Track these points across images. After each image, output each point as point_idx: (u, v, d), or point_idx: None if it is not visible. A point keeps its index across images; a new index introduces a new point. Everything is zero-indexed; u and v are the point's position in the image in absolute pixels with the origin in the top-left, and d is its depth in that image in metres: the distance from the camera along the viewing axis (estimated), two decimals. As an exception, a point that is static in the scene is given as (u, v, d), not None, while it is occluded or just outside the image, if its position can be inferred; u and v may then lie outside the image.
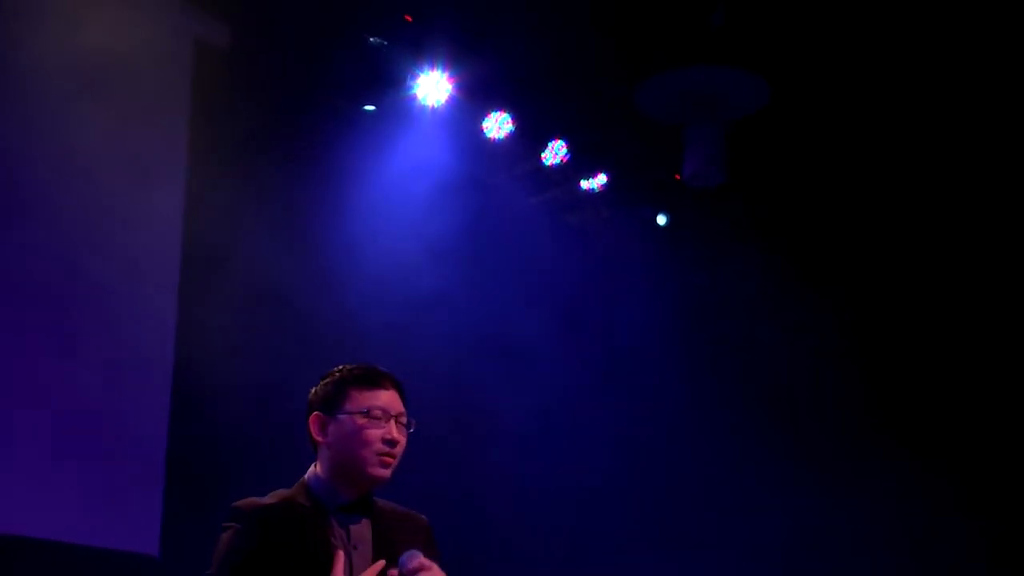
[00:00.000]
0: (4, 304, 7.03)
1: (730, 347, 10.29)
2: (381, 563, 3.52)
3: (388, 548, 3.64)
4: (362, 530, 3.69)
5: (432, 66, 8.39)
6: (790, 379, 10.03)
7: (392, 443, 3.65)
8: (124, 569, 7.29)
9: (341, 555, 3.55)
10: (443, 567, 3.65)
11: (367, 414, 3.66)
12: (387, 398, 3.72)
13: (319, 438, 3.71)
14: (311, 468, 3.76)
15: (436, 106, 8.52)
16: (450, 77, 8.44)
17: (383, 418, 3.68)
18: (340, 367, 3.81)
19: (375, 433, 3.65)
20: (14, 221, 7.11)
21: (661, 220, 10.09)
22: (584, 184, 9.53)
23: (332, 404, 3.72)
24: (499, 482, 8.64)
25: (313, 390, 3.80)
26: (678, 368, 9.89)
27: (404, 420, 3.73)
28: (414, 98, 8.48)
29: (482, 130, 8.84)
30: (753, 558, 9.33)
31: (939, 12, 7.67)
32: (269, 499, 3.65)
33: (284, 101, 8.29)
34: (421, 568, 3.53)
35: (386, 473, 3.67)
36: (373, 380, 3.74)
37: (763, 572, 9.45)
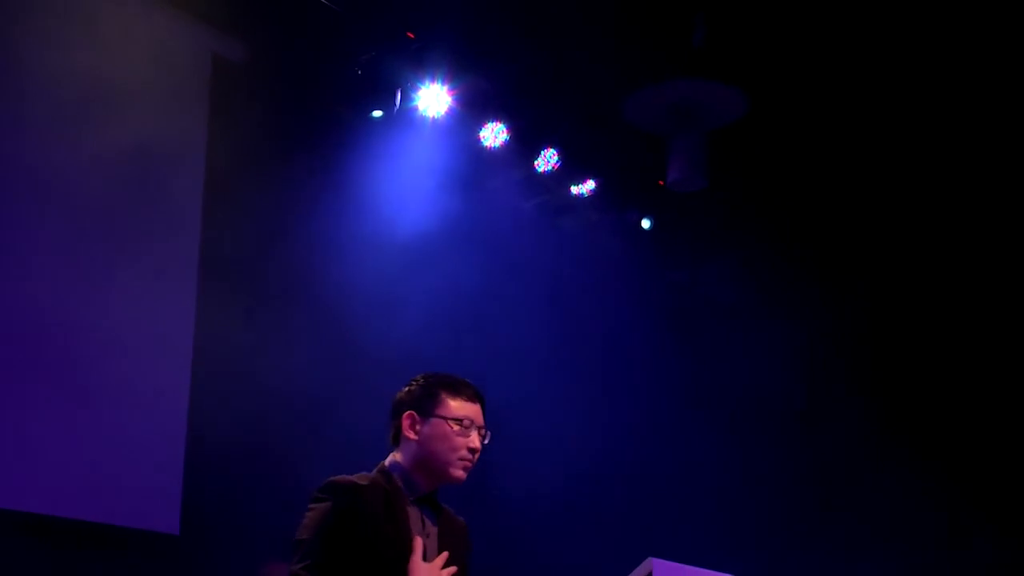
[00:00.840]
0: (33, 294, 6.96)
1: (710, 343, 10.32)
2: (446, 554, 3.70)
3: (448, 540, 3.85)
4: (433, 521, 3.86)
5: (433, 80, 8.33)
6: (769, 376, 9.95)
7: (474, 451, 3.83)
8: (146, 547, 7.26)
9: (420, 540, 3.70)
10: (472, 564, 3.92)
11: (459, 423, 3.83)
12: (475, 411, 3.89)
13: (409, 434, 3.84)
14: (391, 457, 3.90)
15: (437, 117, 8.48)
16: (450, 90, 8.39)
17: (470, 428, 3.85)
18: (432, 373, 3.97)
19: (462, 441, 3.81)
20: (45, 218, 7.08)
21: (646, 224, 10.05)
22: (574, 189, 9.50)
23: (426, 407, 3.86)
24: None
25: (406, 390, 3.93)
26: (658, 362, 9.91)
27: (483, 432, 3.90)
28: (416, 109, 8.42)
29: (479, 139, 8.79)
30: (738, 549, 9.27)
31: (903, 27, 7.70)
32: (359, 479, 3.76)
33: (295, 112, 8.27)
34: None
35: (464, 476, 3.84)
36: (464, 391, 3.90)
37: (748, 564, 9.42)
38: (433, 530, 3.83)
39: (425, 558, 3.70)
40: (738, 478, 9.84)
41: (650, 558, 3.84)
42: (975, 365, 9.37)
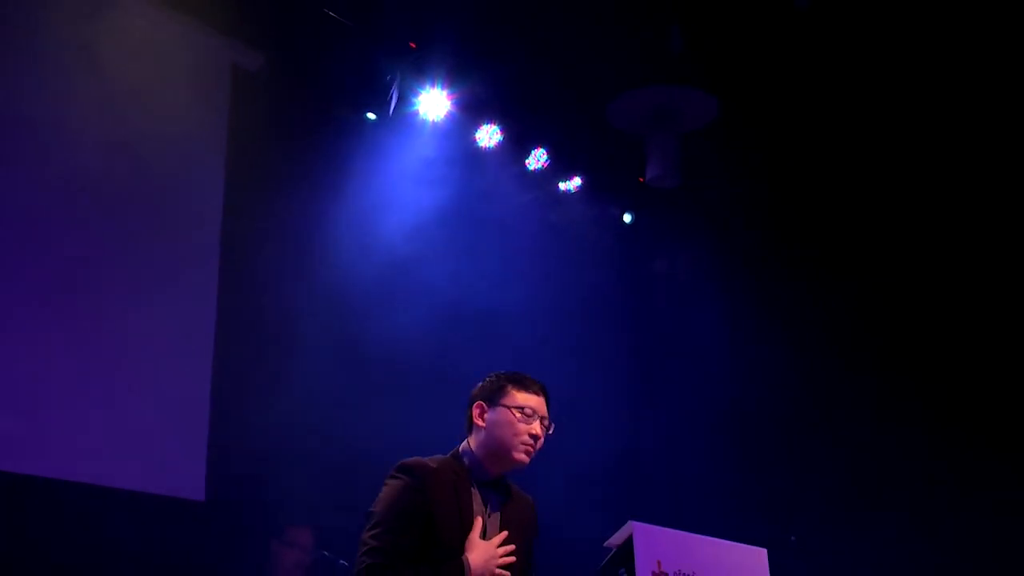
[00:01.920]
0: (68, 281, 6.99)
1: (682, 329, 10.34)
2: (505, 533, 3.80)
3: (511, 520, 3.93)
4: (496, 502, 3.95)
5: (433, 86, 8.34)
6: (732, 363, 9.90)
7: (536, 438, 3.94)
8: (172, 513, 7.21)
9: (480, 520, 3.81)
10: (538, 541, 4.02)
11: (522, 411, 3.94)
12: (537, 402, 4.01)
13: (479, 422, 3.97)
14: (464, 443, 4.01)
15: (436, 120, 8.48)
16: (448, 95, 8.39)
17: (533, 416, 3.96)
18: (503, 371, 4.08)
19: (524, 427, 3.93)
20: (77, 216, 7.10)
21: (627, 218, 10.10)
22: (562, 186, 9.51)
23: (494, 397, 3.99)
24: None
25: (479, 385, 4.06)
26: (633, 344, 9.99)
27: (547, 422, 4.02)
28: (417, 113, 8.42)
29: (475, 140, 8.81)
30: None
31: (865, 34, 7.72)
32: (431, 461, 3.87)
33: (307, 117, 8.27)
34: None
35: (526, 460, 3.94)
36: (529, 385, 4.03)
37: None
38: (496, 511, 3.92)
39: (485, 537, 3.81)
40: (707, 460, 9.66)
41: (630, 521, 3.88)
42: (958, 347, 9.08)
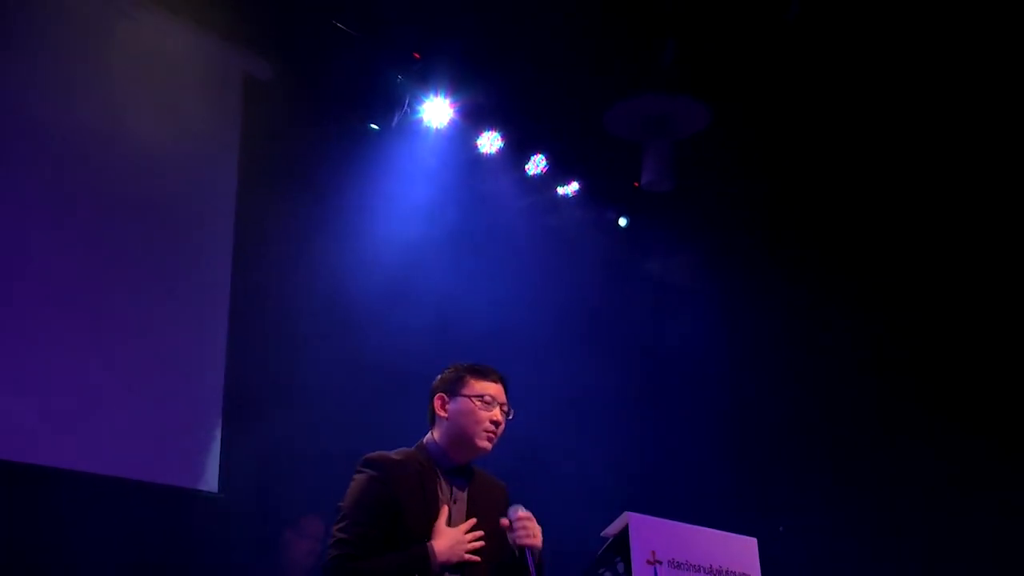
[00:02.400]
0: (89, 281, 7.02)
1: (675, 329, 10.34)
2: (473, 520, 3.80)
3: (479, 506, 3.93)
4: (461, 489, 3.96)
5: (436, 94, 8.36)
6: (728, 361, 9.98)
7: (496, 424, 3.96)
8: (187, 504, 7.23)
9: (446, 508, 3.82)
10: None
11: (481, 399, 3.96)
12: (496, 389, 4.03)
13: (441, 413, 4.00)
14: (428, 435, 4.03)
15: (440, 128, 8.50)
16: (451, 103, 8.41)
17: (492, 404, 3.98)
18: (461, 363, 4.09)
19: (485, 415, 3.95)
20: (98, 216, 7.13)
21: (622, 222, 10.08)
22: (560, 191, 9.51)
23: (454, 388, 4.01)
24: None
25: (438, 377, 4.07)
26: (629, 344, 9.97)
27: (506, 408, 4.03)
28: (421, 121, 8.44)
29: (476, 146, 8.82)
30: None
31: (847, 46, 7.73)
32: (395, 454, 3.89)
33: (315, 122, 8.25)
34: (525, 517, 3.80)
35: (488, 446, 3.96)
36: (487, 374, 4.05)
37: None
38: (462, 496, 3.91)
39: (452, 521, 3.82)
40: (707, 448, 9.71)
41: (626, 512, 3.89)
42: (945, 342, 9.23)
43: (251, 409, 7.52)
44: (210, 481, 7.40)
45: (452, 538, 3.73)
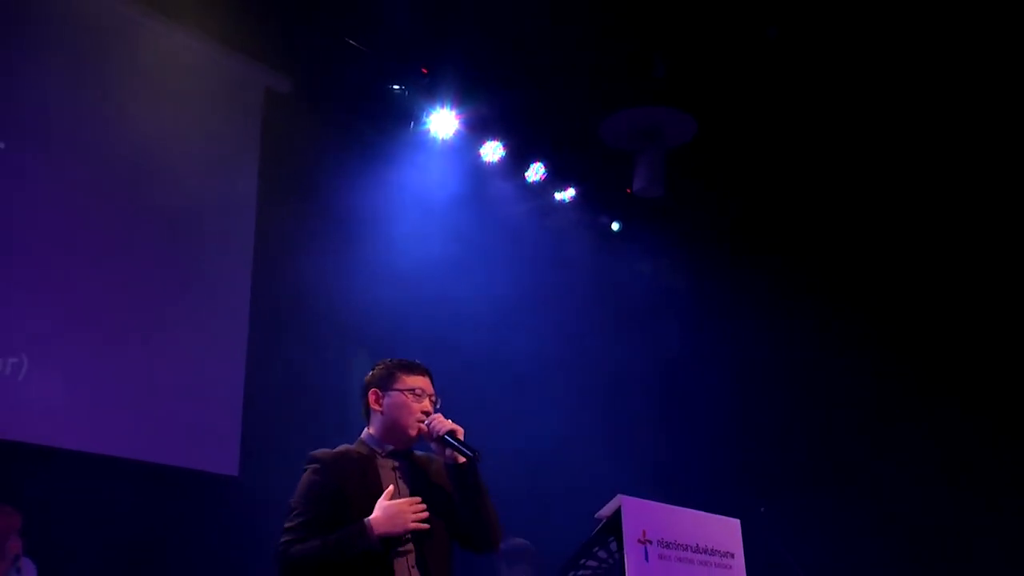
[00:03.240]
0: (116, 277, 7.00)
1: (663, 323, 10.35)
2: (417, 499, 3.75)
3: (423, 479, 3.92)
4: (403, 467, 3.93)
5: (442, 107, 8.38)
6: (718, 353, 9.99)
7: (427, 414, 3.91)
8: (208, 487, 7.23)
9: (391, 487, 3.78)
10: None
11: (412, 392, 3.94)
12: (424, 382, 4.00)
13: (376, 407, 3.97)
14: (365, 430, 4.00)
15: (446, 138, 8.54)
16: (456, 115, 8.44)
17: (422, 396, 3.95)
18: (389, 359, 4.06)
19: (417, 406, 3.92)
20: (130, 218, 7.13)
21: (615, 226, 10.12)
22: (558, 196, 9.54)
23: (386, 383, 3.97)
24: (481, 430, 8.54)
25: (370, 373, 4.04)
26: (623, 336, 9.97)
27: (434, 399, 4.00)
28: (428, 131, 8.48)
29: (480, 155, 8.85)
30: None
31: (824, 63, 7.76)
32: (337, 449, 3.90)
33: (330, 132, 8.26)
34: (431, 415, 3.88)
35: (417, 432, 3.90)
36: (415, 368, 4.02)
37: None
38: (405, 474, 3.89)
39: (399, 496, 3.79)
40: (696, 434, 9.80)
41: (619, 495, 3.89)
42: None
43: (269, 397, 7.52)
44: (230, 464, 7.38)
45: (392, 510, 3.69)
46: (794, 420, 9.60)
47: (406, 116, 8.44)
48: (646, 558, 3.85)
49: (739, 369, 9.80)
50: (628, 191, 8.82)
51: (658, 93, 8.07)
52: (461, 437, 3.84)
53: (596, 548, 3.96)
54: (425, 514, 3.73)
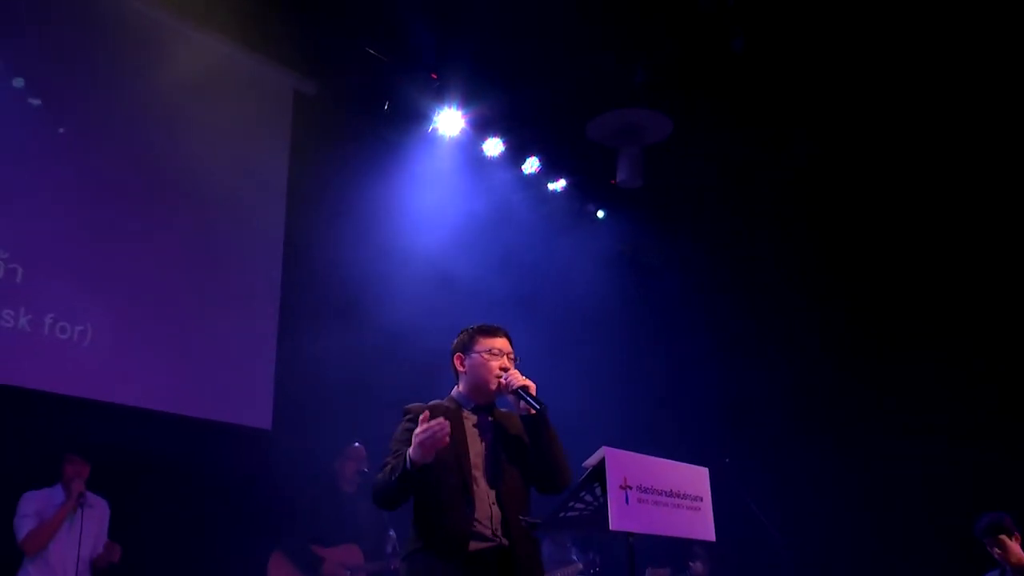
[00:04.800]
0: (169, 257, 7.09)
1: (645, 299, 10.39)
2: (435, 422, 3.60)
3: (500, 432, 3.92)
4: (485, 421, 3.93)
5: (449, 107, 8.39)
6: (691, 322, 9.92)
7: (505, 370, 3.89)
8: (242, 439, 7.25)
9: (475, 432, 3.84)
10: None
11: (490, 352, 3.93)
12: (502, 343, 3.98)
13: (460, 369, 3.98)
14: (455, 388, 4.01)
15: (453, 135, 8.54)
16: (462, 115, 8.45)
17: (500, 355, 3.94)
18: (471, 326, 4.03)
19: (494, 364, 3.91)
20: (175, 207, 7.20)
21: (600, 214, 10.13)
22: (550, 187, 9.54)
23: (467, 347, 3.97)
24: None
25: (455, 341, 4.02)
26: (608, 307, 9.88)
27: (512, 356, 3.98)
28: (436, 129, 8.49)
29: (482, 150, 8.85)
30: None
31: (782, 71, 7.78)
32: (429, 404, 3.87)
33: (352, 132, 8.29)
34: (507, 370, 3.87)
35: (496, 387, 3.89)
36: (493, 331, 4.00)
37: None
38: (488, 426, 3.90)
39: (483, 446, 3.84)
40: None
41: (603, 447, 3.83)
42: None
43: (298, 360, 7.51)
44: (264, 419, 7.42)
45: (416, 440, 3.60)
46: (755, 384, 9.61)
47: (418, 116, 8.43)
48: (627, 501, 3.83)
49: (707, 334, 9.81)
50: (612, 182, 8.81)
51: (638, 97, 8.05)
52: (533, 392, 3.81)
53: (583, 493, 3.94)
54: (437, 427, 3.60)
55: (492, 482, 3.78)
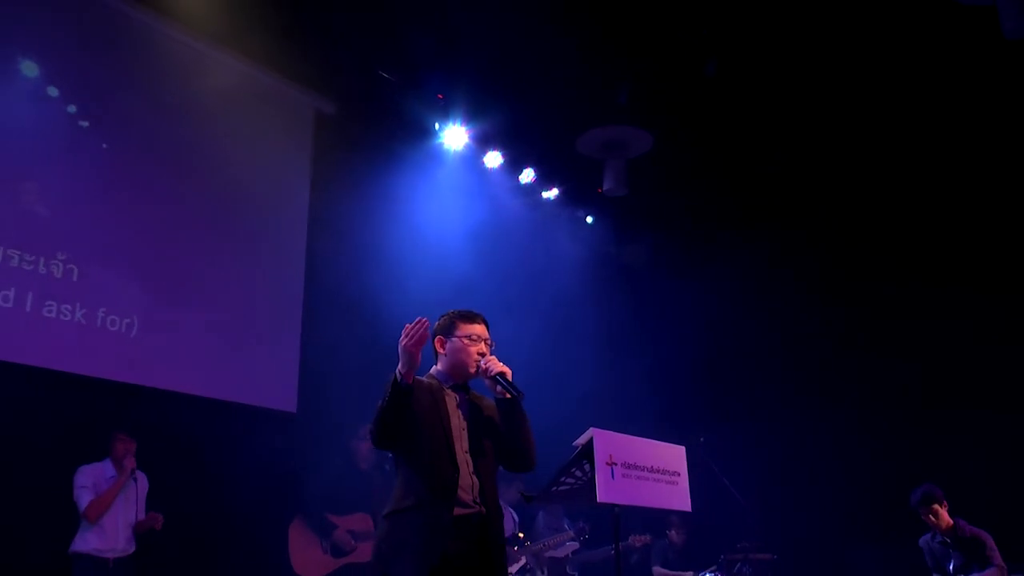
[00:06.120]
0: (204, 257, 7.10)
1: (629, 292, 10.43)
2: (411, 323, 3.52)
3: (475, 411, 3.78)
4: (464, 399, 3.80)
5: (454, 123, 8.41)
6: (670, 315, 9.89)
7: (482, 355, 3.78)
8: (266, 421, 7.22)
9: (456, 408, 3.74)
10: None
11: (469, 338, 3.80)
12: (480, 329, 3.84)
13: (440, 351, 3.83)
14: (434, 367, 3.86)
15: (457, 149, 8.56)
16: (466, 131, 8.48)
17: (478, 340, 3.81)
18: (451, 311, 3.88)
19: (473, 349, 3.79)
20: (217, 216, 7.20)
21: (589, 219, 10.14)
22: (544, 195, 9.54)
23: (448, 331, 3.83)
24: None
25: (436, 324, 3.85)
26: (596, 301, 9.92)
27: (489, 342, 3.84)
28: (442, 144, 8.52)
29: (483, 163, 8.86)
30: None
31: (751, 93, 7.79)
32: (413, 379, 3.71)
33: (367, 146, 8.26)
34: (486, 357, 3.76)
35: (475, 370, 3.78)
36: (472, 317, 3.86)
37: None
38: (465, 403, 3.80)
39: (457, 418, 3.73)
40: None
41: (591, 428, 3.93)
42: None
43: (321, 349, 7.49)
44: (289, 402, 7.41)
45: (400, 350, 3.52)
46: (727, 368, 9.65)
47: (425, 132, 8.44)
48: (612, 476, 3.89)
49: (685, 325, 9.83)
50: (599, 191, 8.83)
51: (622, 115, 8.07)
52: (509, 378, 3.71)
53: (573, 469, 3.99)
54: (416, 325, 3.50)
55: (472, 453, 3.67)
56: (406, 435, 3.57)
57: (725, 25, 7.11)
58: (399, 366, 3.49)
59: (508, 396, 3.72)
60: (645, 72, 7.65)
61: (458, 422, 3.72)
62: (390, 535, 3.55)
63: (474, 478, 3.62)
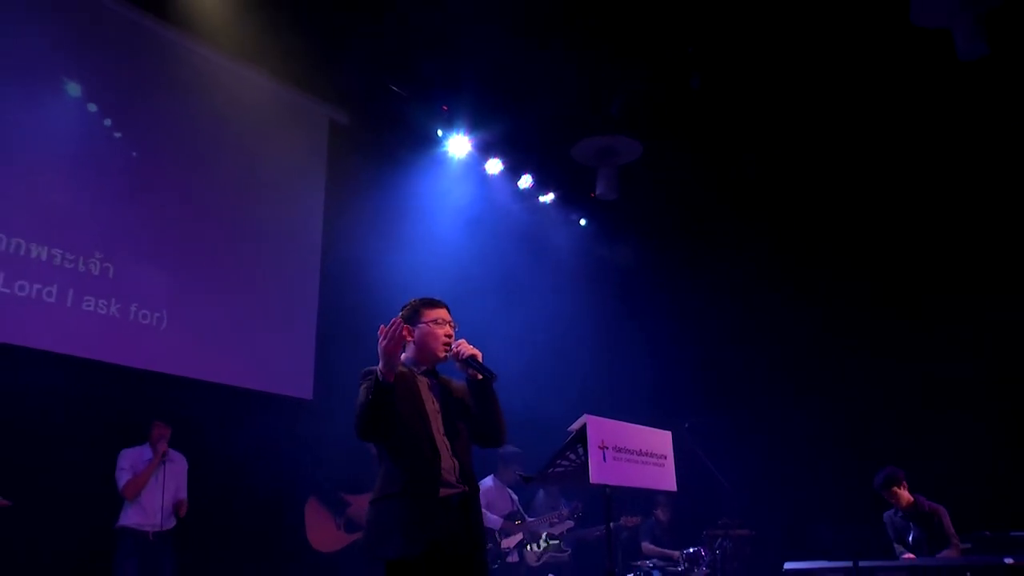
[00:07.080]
0: (227, 256, 7.08)
1: (620, 293, 10.39)
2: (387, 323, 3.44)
3: (447, 393, 3.73)
4: (434, 383, 3.74)
5: (458, 133, 8.40)
6: (659, 310, 9.90)
7: (449, 337, 3.71)
8: (285, 407, 7.20)
9: (429, 392, 3.69)
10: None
11: (435, 322, 3.72)
12: (443, 313, 3.75)
13: (408, 338, 3.71)
14: (403, 354, 3.72)
15: (460, 157, 8.54)
16: (469, 140, 8.46)
17: (443, 324, 3.73)
18: (413, 299, 3.78)
19: (439, 332, 3.71)
20: (237, 219, 7.21)
21: (583, 222, 10.11)
22: (541, 199, 9.53)
23: (413, 319, 3.73)
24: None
25: (400, 313, 3.73)
26: (590, 298, 9.91)
27: (453, 324, 3.76)
28: (447, 152, 8.50)
29: (485, 169, 8.85)
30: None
31: (733, 105, 7.78)
32: None
33: (378, 154, 8.25)
34: (457, 342, 3.68)
35: (444, 354, 3.71)
36: (435, 303, 3.77)
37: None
38: (436, 387, 3.74)
39: (430, 402, 3.66)
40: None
41: (585, 414, 3.87)
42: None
43: (339, 333, 7.44)
44: (305, 389, 7.40)
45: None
46: (711, 361, 9.65)
47: (431, 140, 8.42)
48: (604, 459, 3.87)
49: (675, 320, 9.82)
50: (592, 195, 8.81)
51: (614, 125, 8.06)
52: (480, 360, 3.64)
53: (568, 452, 3.95)
54: (393, 326, 3.41)
55: (448, 436, 3.62)
56: (392, 429, 3.50)
57: (708, 43, 7.12)
58: (380, 365, 3.41)
59: (480, 377, 3.64)
60: (635, 86, 7.67)
61: (432, 406, 3.66)
62: (379, 520, 3.50)
63: (454, 459, 3.59)
